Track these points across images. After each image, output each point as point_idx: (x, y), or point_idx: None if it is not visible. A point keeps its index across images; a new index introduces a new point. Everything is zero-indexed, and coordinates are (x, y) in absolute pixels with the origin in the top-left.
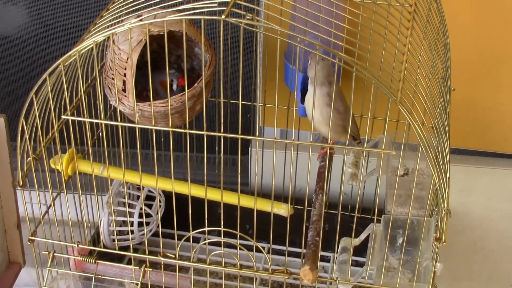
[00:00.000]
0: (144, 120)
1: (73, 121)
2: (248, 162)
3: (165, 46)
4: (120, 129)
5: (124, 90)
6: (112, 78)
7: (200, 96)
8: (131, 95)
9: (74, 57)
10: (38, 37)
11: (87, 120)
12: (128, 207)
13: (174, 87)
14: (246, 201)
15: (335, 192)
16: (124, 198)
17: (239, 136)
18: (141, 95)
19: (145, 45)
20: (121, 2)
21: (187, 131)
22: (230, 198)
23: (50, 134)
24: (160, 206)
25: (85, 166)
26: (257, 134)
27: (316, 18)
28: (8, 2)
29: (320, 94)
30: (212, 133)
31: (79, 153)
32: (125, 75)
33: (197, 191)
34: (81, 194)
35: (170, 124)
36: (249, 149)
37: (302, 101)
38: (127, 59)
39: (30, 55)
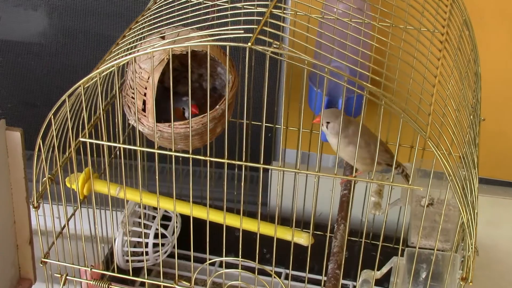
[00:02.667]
0: (163, 140)
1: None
2: (269, 179)
3: (187, 64)
4: (138, 153)
5: (144, 110)
6: (132, 97)
7: (222, 118)
8: (151, 115)
9: (95, 79)
10: (58, 44)
11: (105, 143)
12: (144, 228)
13: (186, 115)
14: (266, 229)
15: (356, 218)
16: (140, 218)
17: (261, 166)
18: (161, 116)
19: (167, 64)
20: (144, 21)
21: (207, 158)
22: (249, 225)
23: (66, 154)
24: (176, 227)
25: (101, 186)
26: (279, 157)
27: (343, 45)
28: (28, 7)
29: (338, 141)
30: (233, 162)
31: (96, 172)
32: (145, 94)
33: (215, 216)
34: (96, 209)
35: (191, 147)
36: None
37: None
38: (148, 78)
39: (50, 63)
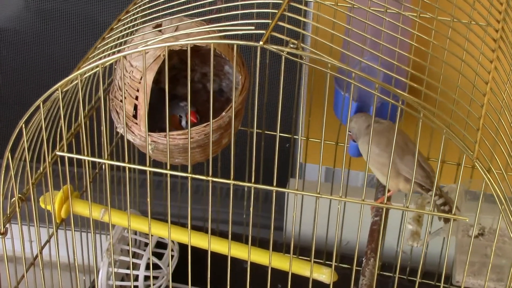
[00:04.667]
0: (158, 153)
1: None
2: (285, 200)
3: (187, 61)
4: (126, 170)
5: (135, 116)
6: (121, 101)
7: (229, 127)
8: (143, 123)
9: (76, 82)
10: (36, 31)
11: (86, 158)
12: (133, 257)
13: (183, 124)
14: (280, 262)
15: (390, 249)
16: (128, 245)
17: (274, 188)
18: (156, 124)
19: (164, 61)
20: (136, 11)
21: (209, 178)
22: (259, 257)
23: (41, 169)
24: (172, 256)
25: (82, 208)
26: (296, 174)
27: (375, 46)
28: None
29: (365, 142)
30: (240, 183)
31: (76, 191)
32: (137, 98)
33: (218, 246)
34: (75, 232)
35: (190, 162)
36: (286, 188)
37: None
38: (141, 79)
39: (25, 54)
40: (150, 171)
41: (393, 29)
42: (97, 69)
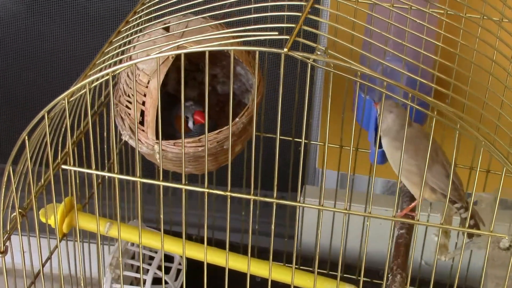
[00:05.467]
0: (166, 162)
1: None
2: (297, 208)
3: (196, 61)
4: (138, 185)
5: (141, 123)
6: (127, 106)
7: (242, 134)
8: (151, 131)
9: (83, 91)
10: (27, 22)
11: (94, 172)
12: (139, 272)
13: (190, 124)
14: (301, 280)
15: (413, 262)
16: (134, 258)
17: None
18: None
19: (173, 63)
20: (144, 13)
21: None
22: (279, 274)
23: (42, 181)
24: (179, 270)
25: (87, 222)
26: (313, 179)
27: (398, 47)
28: None
29: (394, 147)
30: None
31: (79, 203)
32: (143, 103)
33: (231, 261)
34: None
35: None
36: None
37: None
38: (148, 83)
39: (24, 53)
40: (161, 186)
41: (417, 29)
42: (107, 77)
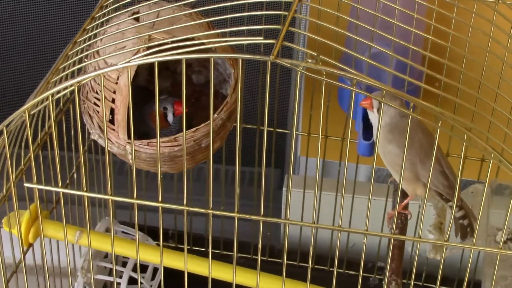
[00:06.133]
0: (140, 163)
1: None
2: (282, 197)
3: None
4: (109, 203)
5: (111, 122)
6: (95, 103)
7: (221, 130)
8: (122, 130)
9: (46, 103)
10: None
11: (62, 190)
12: (111, 275)
13: (170, 117)
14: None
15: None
16: (107, 257)
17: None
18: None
19: None
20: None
21: (210, 211)
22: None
23: (4, 191)
24: (156, 269)
25: (55, 231)
26: (298, 168)
27: (388, 31)
28: None
29: (387, 140)
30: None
31: (46, 210)
32: (113, 100)
33: (214, 271)
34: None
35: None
36: (284, 182)
37: (366, 136)
38: (118, 79)
39: None
40: (135, 205)
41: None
42: (71, 88)
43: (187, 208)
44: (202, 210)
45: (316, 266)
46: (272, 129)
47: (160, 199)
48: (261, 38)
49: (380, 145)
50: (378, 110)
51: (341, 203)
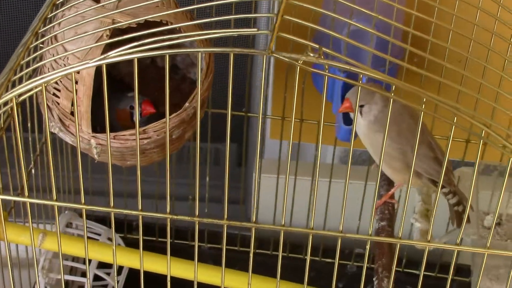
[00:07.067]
0: (104, 157)
1: None
2: (252, 180)
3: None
4: (83, 213)
5: (73, 114)
6: (54, 94)
7: (193, 120)
8: (86, 122)
9: (10, 105)
10: None
11: (37, 201)
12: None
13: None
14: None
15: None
16: (68, 259)
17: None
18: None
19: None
20: None
21: (196, 219)
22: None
23: None
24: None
25: (16, 235)
26: (265, 151)
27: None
28: None
29: (373, 130)
30: (237, 223)
31: (4, 210)
32: (75, 91)
33: (181, 271)
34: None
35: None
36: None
37: (345, 121)
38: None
39: None
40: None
41: None
42: (38, 89)
43: (170, 216)
44: (188, 218)
45: (290, 255)
46: (243, 113)
47: (140, 207)
48: (255, 30)
49: (365, 136)
50: (361, 113)
51: (313, 204)
